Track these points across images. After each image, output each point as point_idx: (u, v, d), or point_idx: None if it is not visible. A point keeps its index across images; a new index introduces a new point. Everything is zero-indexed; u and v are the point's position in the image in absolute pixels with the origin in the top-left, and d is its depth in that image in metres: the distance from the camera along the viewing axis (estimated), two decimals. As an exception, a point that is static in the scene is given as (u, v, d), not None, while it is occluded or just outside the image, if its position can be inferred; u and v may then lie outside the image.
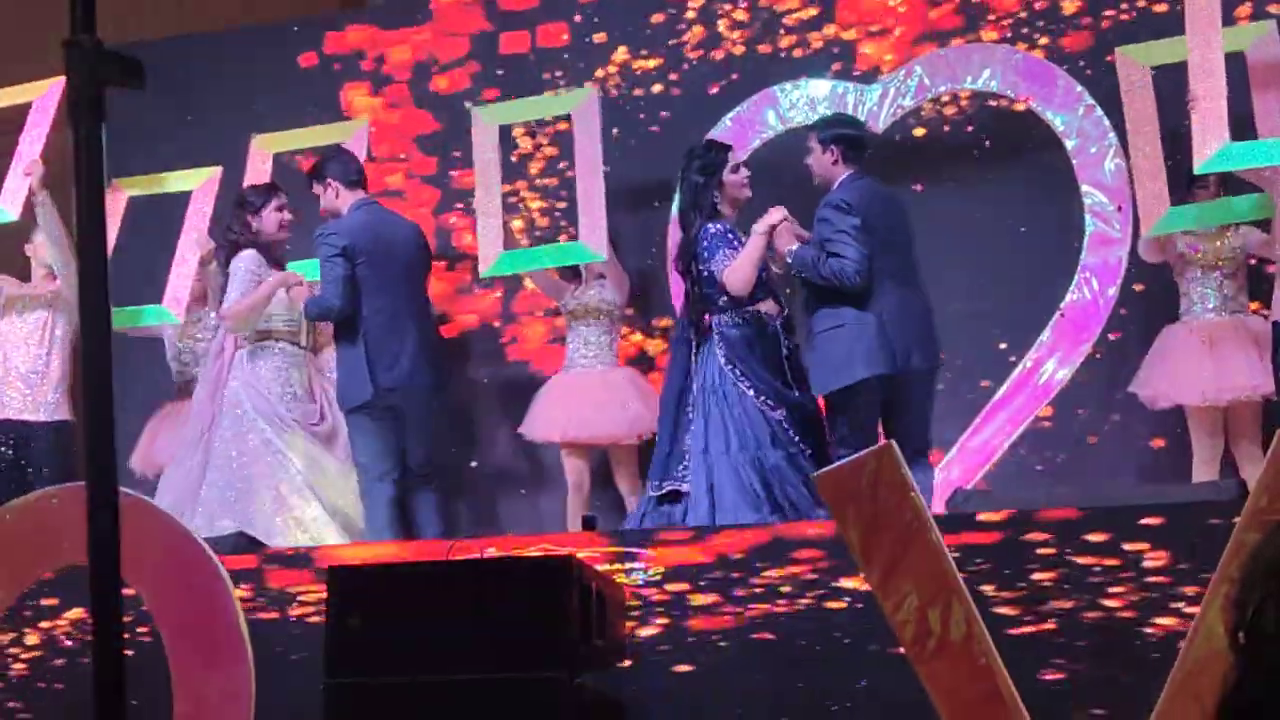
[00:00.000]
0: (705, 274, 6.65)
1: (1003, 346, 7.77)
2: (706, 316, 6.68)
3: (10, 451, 7.78)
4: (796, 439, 6.53)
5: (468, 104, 8.24)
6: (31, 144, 7.77)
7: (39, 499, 5.36)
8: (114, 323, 6.47)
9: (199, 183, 8.13)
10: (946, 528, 3.97)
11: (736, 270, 6.55)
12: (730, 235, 6.68)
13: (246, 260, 7.29)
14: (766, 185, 8.05)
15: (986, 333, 7.73)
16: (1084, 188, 7.71)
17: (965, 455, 7.84)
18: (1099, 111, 7.72)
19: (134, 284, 7.87)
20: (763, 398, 6.51)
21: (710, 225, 6.67)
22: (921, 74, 8.08)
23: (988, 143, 7.94)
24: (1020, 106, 7.91)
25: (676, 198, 6.98)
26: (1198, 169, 6.66)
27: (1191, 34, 6.62)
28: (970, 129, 8.03)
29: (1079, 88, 7.80)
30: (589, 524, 6.74)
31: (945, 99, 8.09)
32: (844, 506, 3.93)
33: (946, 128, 8.09)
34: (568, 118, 7.94)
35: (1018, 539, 5.46)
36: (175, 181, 8.26)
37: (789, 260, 6.64)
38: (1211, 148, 6.53)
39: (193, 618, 5.01)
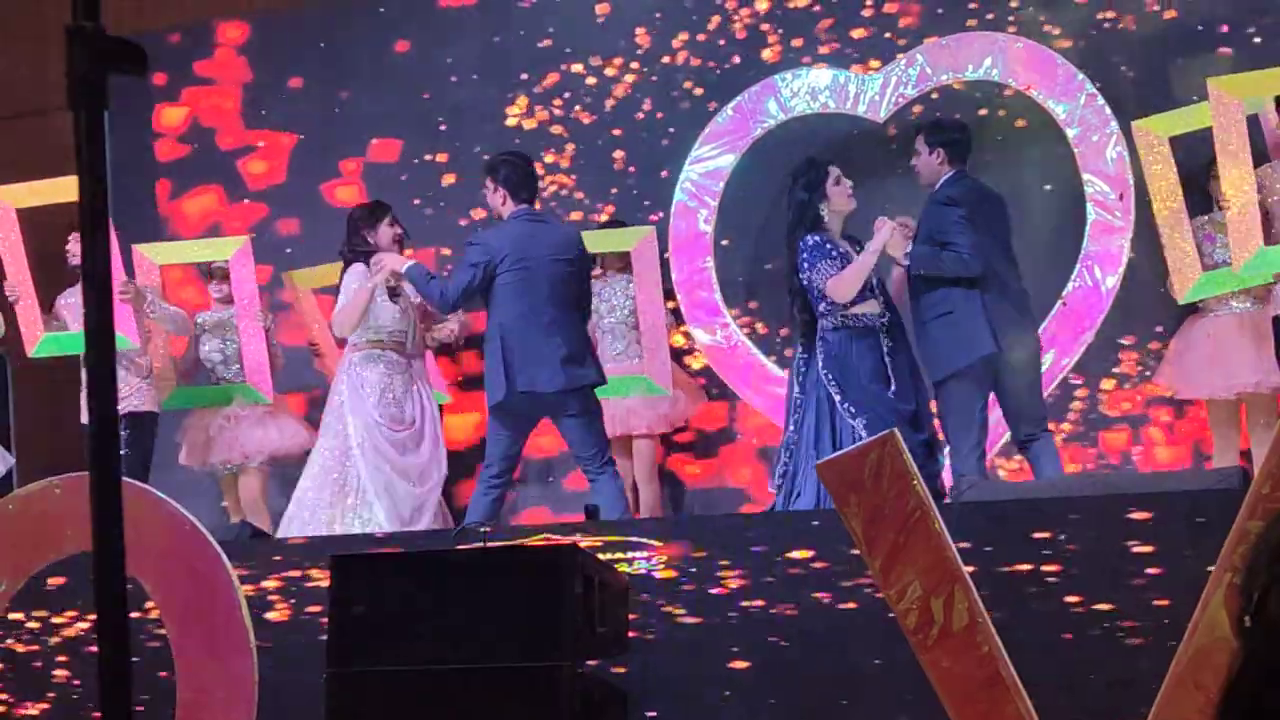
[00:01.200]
0: (805, 283, 6.72)
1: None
2: (811, 323, 6.77)
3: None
4: None
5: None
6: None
7: (42, 488, 5.36)
8: (192, 402, 6.54)
9: (232, 252, 8.14)
10: (948, 515, 3.95)
11: (842, 281, 6.62)
12: (828, 246, 6.75)
13: (355, 273, 7.49)
14: (767, 173, 8.07)
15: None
16: (1085, 176, 7.71)
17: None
18: (1101, 100, 7.71)
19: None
20: (846, 404, 6.55)
21: (809, 237, 6.74)
22: (923, 63, 8.08)
23: (990, 130, 7.92)
24: (1010, 92, 7.91)
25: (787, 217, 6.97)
26: (1239, 273, 6.75)
27: (1220, 143, 6.69)
28: (972, 117, 8.01)
29: (1080, 75, 7.79)
30: (591, 513, 6.74)
31: (948, 87, 8.08)
32: (847, 495, 3.93)
33: (949, 116, 8.08)
34: (626, 254, 8.00)
35: (1018, 528, 5.45)
36: (202, 250, 8.36)
37: (907, 263, 6.76)
38: (1250, 250, 6.65)
39: (196, 606, 5.01)
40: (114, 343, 1.96)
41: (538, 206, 7.35)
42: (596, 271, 7.89)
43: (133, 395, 7.97)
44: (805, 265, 6.72)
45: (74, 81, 1.88)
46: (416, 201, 8.66)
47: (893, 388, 6.60)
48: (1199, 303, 7.15)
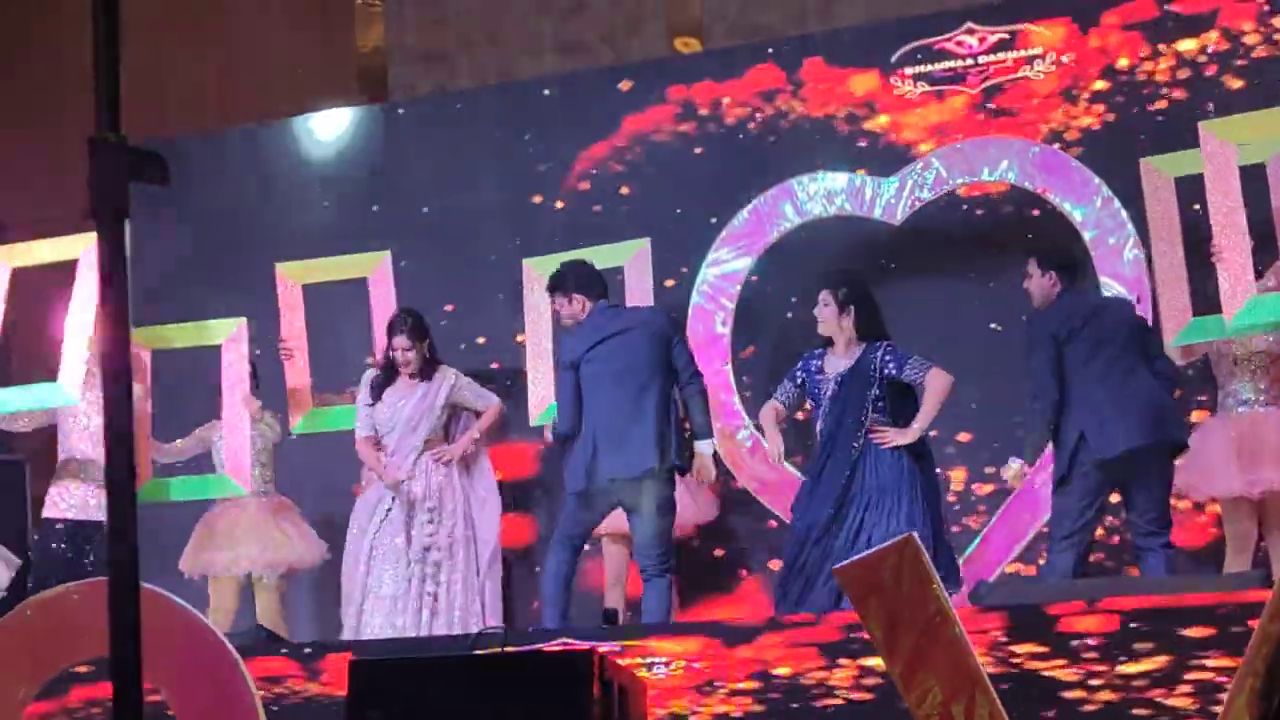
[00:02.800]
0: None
1: (1020, 438, 7.74)
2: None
3: (69, 551, 7.79)
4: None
5: (526, 260, 8.22)
6: (84, 312, 7.51)
7: (60, 595, 5.36)
8: (170, 495, 6.39)
9: (227, 335, 8.05)
10: (968, 620, 3.93)
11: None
12: (799, 368, 7.13)
13: (362, 381, 7.65)
14: (783, 278, 8.08)
15: (1008, 420, 7.71)
16: (1103, 279, 7.71)
17: (988, 545, 7.80)
18: (1117, 203, 7.74)
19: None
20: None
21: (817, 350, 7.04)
22: (939, 166, 8.12)
23: (1004, 233, 7.95)
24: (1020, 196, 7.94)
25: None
26: (1229, 328, 6.72)
27: (1211, 188, 6.68)
28: (989, 220, 8.04)
29: (1095, 180, 7.82)
30: (610, 618, 6.70)
31: (963, 191, 8.12)
32: (866, 599, 3.91)
33: (965, 219, 8.11)
34: (619, 269, 8.02)
35: (1040, 631, 5.42)
36: (198, 334, 8.21)
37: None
38: (1240, 303, 6.61)
39: (211, 710, 4.98)
40: (132, 450, 1.96)
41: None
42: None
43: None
44: (893, 367, 6.89)
45: (96, 192, 1.90)
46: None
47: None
48: (1217, 402, 7.13)
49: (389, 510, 7.44)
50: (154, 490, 7.90)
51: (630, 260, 7.98)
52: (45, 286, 7.76)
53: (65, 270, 7.60)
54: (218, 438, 8.11)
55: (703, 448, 7.02)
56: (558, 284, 7.20)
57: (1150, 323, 7.16)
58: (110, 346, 1.88)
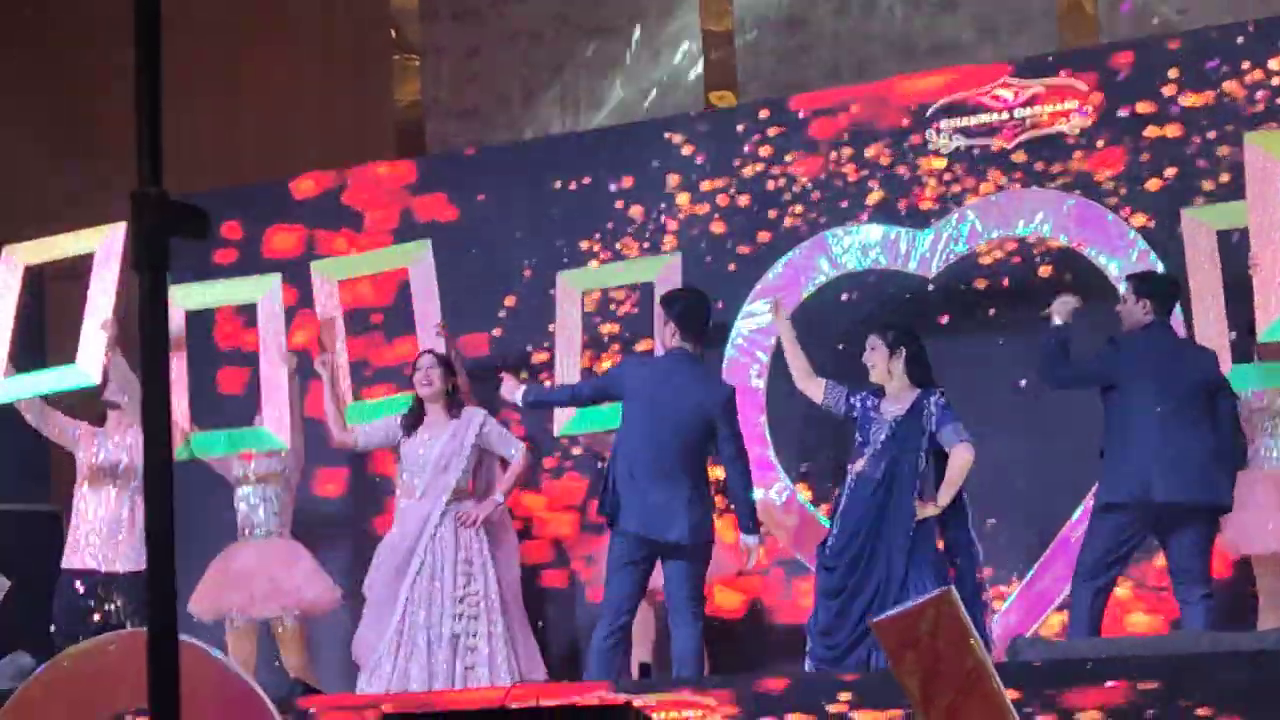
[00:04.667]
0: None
1: (1059, 485, 7.71)
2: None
3: (90, 602, 7.79)
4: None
5: (560, 274, 8.30)
6: (101, 296, 7.64)
7: (96, 645, 5.36)
8: (208, 450, 6.44)
9: (263, 293, 8.10)
10: (1006, 676, 3.91)
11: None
12: (849, 407, 7.14)
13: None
14: (818, 329, 8.09)
15: (1051, 474, 7.67)
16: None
17: (1026, 599, 7.75)
18: (1153, 256, 7.71)
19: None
20: None
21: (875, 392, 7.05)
22: (974, 219, 8.11)
23: (1042, 289, 7.94)
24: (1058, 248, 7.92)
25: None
26: (1261, 337, 6.71)
27: (1252, 199, 6.68)
28: (1025, 274, 8.03)
29: (1131, 233, 7.80)
30: (645, 671, 6.68)
31: (999, 244, 8.11)
32: (903, 654, 3.88)
33: (1001, 273, 8.10)
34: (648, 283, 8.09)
35: (1078, 686, 5.38)
36: (233, 292, 8.30)
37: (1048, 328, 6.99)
38: (1273, 315, 6.57)
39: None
40: (171, 498, 1.96)
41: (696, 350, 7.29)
42: None
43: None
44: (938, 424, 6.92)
45: (139, 244, 1.91)
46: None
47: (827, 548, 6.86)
48: (1252, 456, 7.09)
49: (424, 561, 7.43)
50: (199, 446, 7.96)
51: (660, 275, 7.99)
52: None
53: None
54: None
55: (748, 541, 7.08)
56: (667, 303, 7.28)
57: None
58: (152, 409, 1.89)
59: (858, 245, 8.29)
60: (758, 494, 8.09)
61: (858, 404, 6.99)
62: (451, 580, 7.40)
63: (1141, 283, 7.08)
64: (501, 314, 8.82)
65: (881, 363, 6.98)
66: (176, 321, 7.95)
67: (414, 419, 7.62)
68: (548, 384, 8.02)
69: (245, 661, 7.92)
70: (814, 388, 7.14)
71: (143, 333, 1.89)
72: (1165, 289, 7.09)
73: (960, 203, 8.20)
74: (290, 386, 7.92)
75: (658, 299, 7.47)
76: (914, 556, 6.67)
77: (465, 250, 8.82)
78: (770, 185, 8.55)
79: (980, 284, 8.15)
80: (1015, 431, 7.63)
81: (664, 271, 8.02)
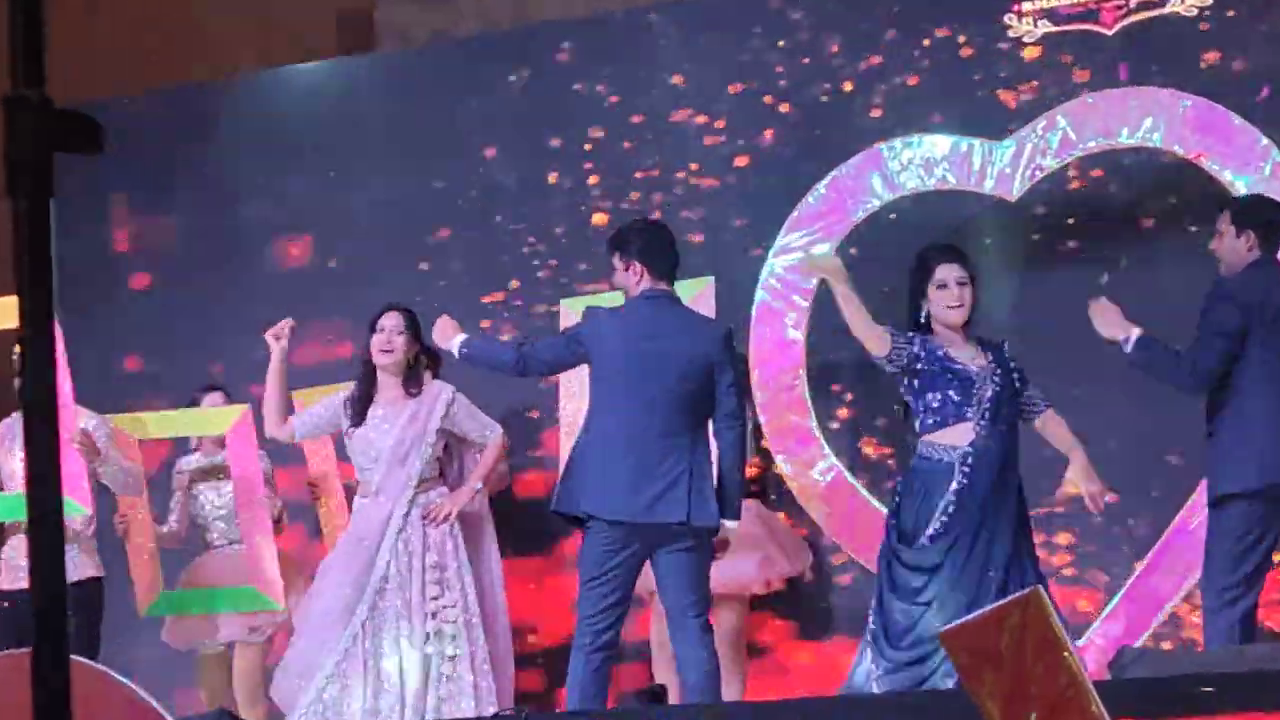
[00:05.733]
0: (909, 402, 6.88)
1: (1174, 461, 7.71)
2: None
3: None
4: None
5: (564, 301, 8.37)
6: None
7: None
8: (179, 609, 7.28)
9: (229, 423, 8.26)
10: (1108, 698, 3.91)
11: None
12: (923, 356, 6.82)
13: (339, 394, 7.72)
14: (871, 266, 8.09)
15: (1165, 445, 7.68)
16: (1270, 263, 7.68)
17: (1133, 601, 7.76)
18: (1292, 169, 7.72)
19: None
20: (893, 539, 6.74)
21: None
22: (1065, 126, 8.09)
23: (1151, 213, 7.92)
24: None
25: None
26: None
27: None
28: (1130, 195, 8.02)
29: (1263, 140, 7.79)
30: (656, 696, 6.70)
31: (1097, 157, 8.12)
32: (979, 670, 3.89)
33: (1100, 193, 8.09)
34: None
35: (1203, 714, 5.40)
36: (194, 423, 8.51)
37: (1128, 350, 6.81)
38: None
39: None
40: (60, 490, 1.96)
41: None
42: None
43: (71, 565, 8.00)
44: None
45: (13, 163, 1.90)
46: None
47: (922, 539, 6.68)
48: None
49: (386, 571, 7.41)
50: (164, 605, 8.34)
51: (690, 302, 8.04)
52: None
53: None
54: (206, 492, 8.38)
55: (730, 527, 7.02)
56: (620, 244, 7.21)
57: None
58: (34, 347, 1.88)
59: (920, 161, 8.28)
60: (791, 470, 8.15)
61: (922, 353, 6.89)
62: (420, 592, 7.39)
63: (1243, 212, 7.03)
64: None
65: (969, 301, 6.88)
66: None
67: (363, 398, 7.57)
68: (504, 338, 7.99)
69: (217, 692, 8.20)
70: (875, 339, 6.91)
71: (19, 270, 1.88)
72: (1273, 217, 7.02)
73: (1049, 106, 8.17)
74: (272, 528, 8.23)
75: (607, 243, 7.35)
76: (1020, 546, 6.66)
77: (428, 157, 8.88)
78: (806, 83, 8.54)
79: (1073, 208, 8.14)
80: (1116, 394, 7.61)
81: (693, 300, 8.02)
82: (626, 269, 7.12)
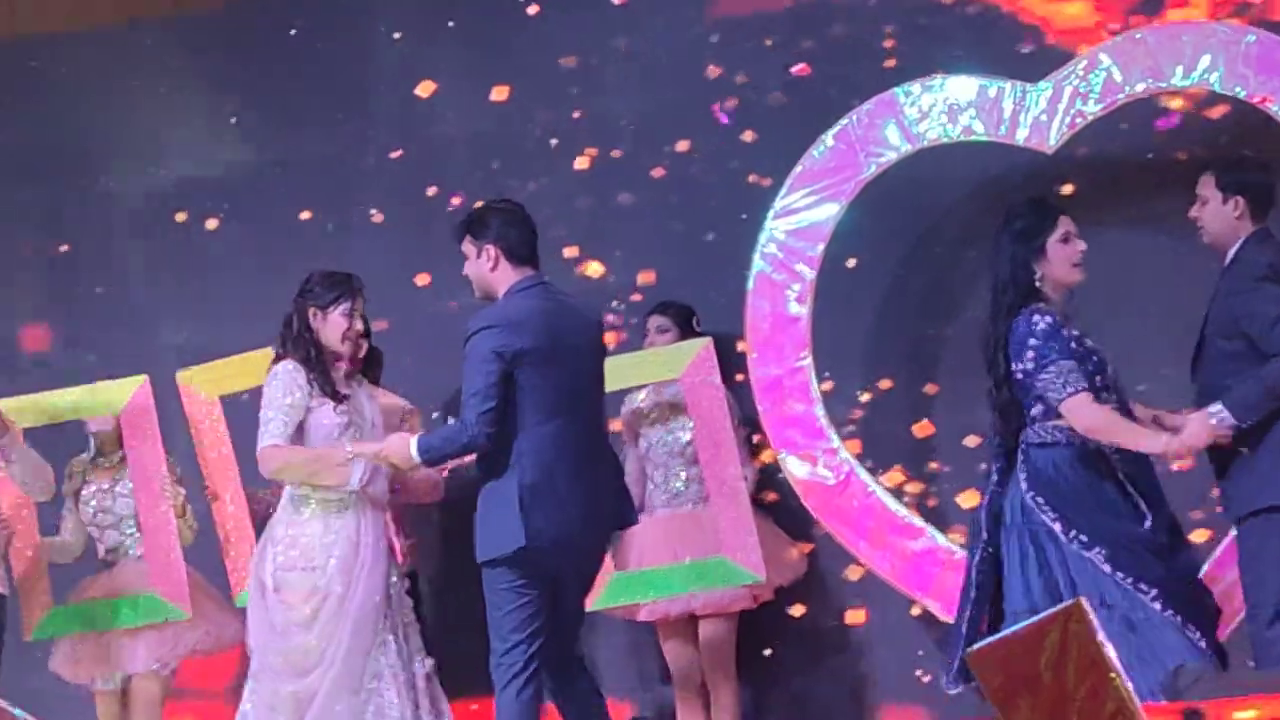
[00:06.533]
0: (1019, 376, 6.84)
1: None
2: (1014, 435, 6.90)
3: None
4: (1143, 590, 6.69)
5: None
6: None
7: None
8: (71, 627, 7.56)
9: (125, 399, 8.33)
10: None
11: (1090, 417, 6.71)
12: (1063, 334, 6.79)
13: (286, 372, 7.55)
14: (891, 230, 8.16)
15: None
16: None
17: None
18: (1367, 115, 7.80)
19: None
20: (1074, 533, 6.69)
21: (1038, 318, 6.83)
22: (1109, 65, 8.12)
23: (1207, 163, 8.01)
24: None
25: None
26: None
27: None
28: (1183, 144, 8.15)
29: (1340, 82, 7.87)
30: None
31: (1145, 101, 8.22)
32: (1014, 695, 3.95)
33: (1148, 143, 8.24)
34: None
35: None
36: (84, 401, 8.48)
37: (1226, 430, 6.81)
38: None
39: None
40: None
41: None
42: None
43: None
44: (1026, 355, 6.82)
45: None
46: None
47: (1147, 522, 6.73)
48: None
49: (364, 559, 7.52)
50: (55, 623, 8.39)
51: (688, 368, 8.22)
52: None
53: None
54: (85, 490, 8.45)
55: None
56: (473, 227, 7.23)
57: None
58: None
59: (942, 107, 8.34)
60: (798, 469, 8.24)
61: (1078, 347, 6.83)
62: (397, 590, 7.54)
63: (1228, 173, 7.13)
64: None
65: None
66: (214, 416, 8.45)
67: (323, 377, 7.62)
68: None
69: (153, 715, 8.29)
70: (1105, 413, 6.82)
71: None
72: (1260, 179, 7.15)
73: (1090, 42, 8.25)
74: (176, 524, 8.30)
75: (453, 233, 7.38)
76: None
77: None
78: (802, 19, 8.65)
79: (1120, 159, 8.26)
80: (1169, 370, 7.66)
81: (693, 363, 8.19)
82: (488, 262, 7.15)
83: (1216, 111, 8.22)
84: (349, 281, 7.58)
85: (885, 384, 8.54)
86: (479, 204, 7.53)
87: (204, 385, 8.46)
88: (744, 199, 8.69)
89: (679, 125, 8.97)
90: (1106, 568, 6.58)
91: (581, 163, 9.03)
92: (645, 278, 8.88)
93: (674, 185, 8.95)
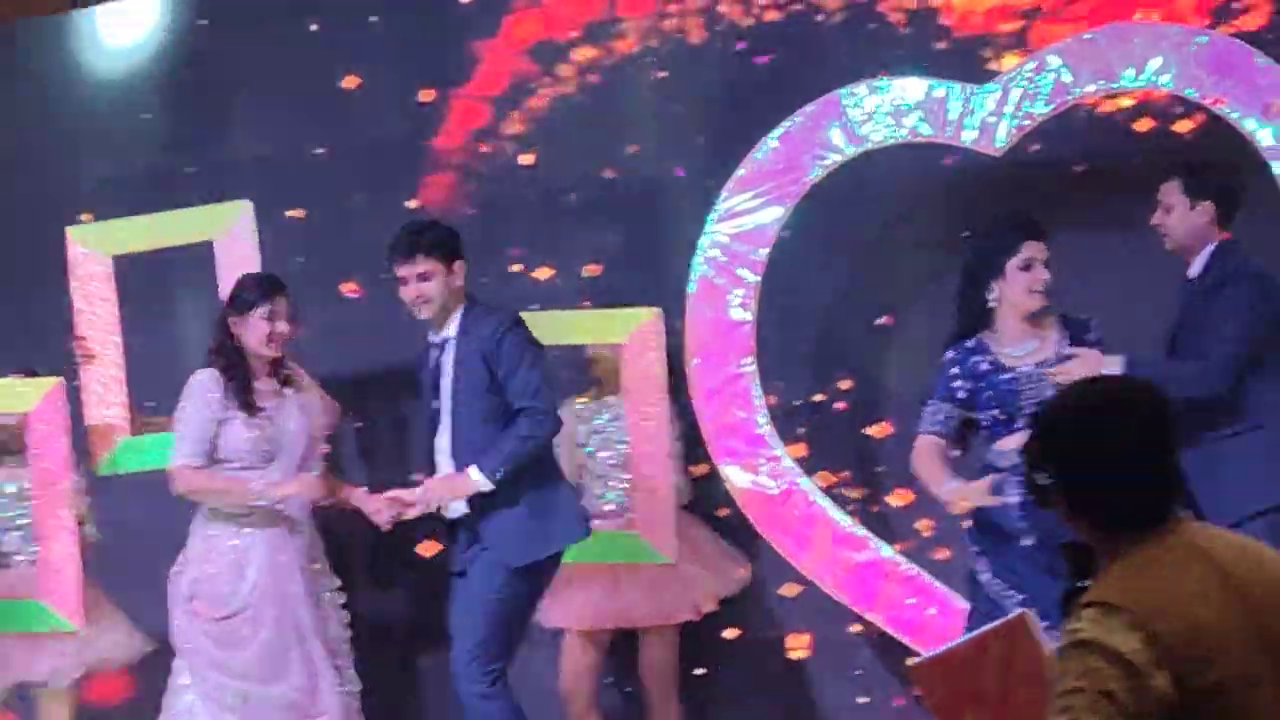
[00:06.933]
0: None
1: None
2: None
3: None
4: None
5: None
6: None
7: None
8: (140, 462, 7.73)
9: (36, 399, 8.27)
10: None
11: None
12: (952, 375, 6.94)
13: (200, 384, 7.57)
14: (829, 238, 8.09)
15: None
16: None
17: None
18: (1325, 118, 7.76)
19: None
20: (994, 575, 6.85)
21: (950, 352, 6.98)
22: (1060, 67, 8.11)
23: (1161, 168, 7.96)
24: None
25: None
26: None
27: None
28: (1134, 147, 8.06)
29: (1294, 83, 7.84)
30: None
31: (1096, 103, 8.16)
32: (958, 708, 3.90)
33: (1100, 146, 8.17)
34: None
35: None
36: (179, 228, 8.57)
37: None
38: None
39: None
40: None
41: None
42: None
43: None
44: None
45: None
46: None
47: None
48: None
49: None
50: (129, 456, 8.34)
51: (633, 334, 8.21)
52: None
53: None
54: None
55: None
56: (407, 248, 7.39)
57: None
58: None
59: (887, 108, 8.29)
60: (740, 479, 8.19)
61: (961, 380, 6.99)
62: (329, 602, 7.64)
63: (1196, 178, 7.16)
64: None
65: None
66: (104, 272, 8.39)
67: (243, 383, 7.59)
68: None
69: None
70: (928, 454, 7.03)
71: None
72: (1231, 185, 7.19)
73: (1039, 43, 8.18)
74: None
75: (439, 245, 7.42)
76: None
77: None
78: (743, 14, 8.57)
79: (1070, 162, 8.22)
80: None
81: (640, 330, 8.22)
82: (419, 277, 7.39)
83: (1173, 113, 8.19)
84: (265, 284, 7.58)
85: (830, 390, 8.50)
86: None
87: (99, 243, 8.49)
88: (691, 201, 8.62)
89: (624, 127, 8.89)
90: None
91: (526, 159, 8.96)
92: (591, 270, 8.83)
93: (621, 186, 8.88)
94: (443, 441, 7.36)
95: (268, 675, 7.46)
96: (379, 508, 7.43)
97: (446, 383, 7.34)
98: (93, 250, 8.43)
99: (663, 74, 8.82)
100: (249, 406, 7.49)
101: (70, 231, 8.47)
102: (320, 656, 7.51)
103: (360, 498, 7.51)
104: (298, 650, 7.48)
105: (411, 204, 8.95)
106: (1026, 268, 6.92)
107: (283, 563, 7.48)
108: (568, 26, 8.93)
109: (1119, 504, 3.64)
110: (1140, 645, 3.40)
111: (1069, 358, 6.81)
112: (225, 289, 8.02)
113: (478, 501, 7.24)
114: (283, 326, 7.53)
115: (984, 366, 6.92)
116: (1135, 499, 3.63)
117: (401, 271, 7.33)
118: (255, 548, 7.45)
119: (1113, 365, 6.77)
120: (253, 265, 8.19)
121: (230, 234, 8.37)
